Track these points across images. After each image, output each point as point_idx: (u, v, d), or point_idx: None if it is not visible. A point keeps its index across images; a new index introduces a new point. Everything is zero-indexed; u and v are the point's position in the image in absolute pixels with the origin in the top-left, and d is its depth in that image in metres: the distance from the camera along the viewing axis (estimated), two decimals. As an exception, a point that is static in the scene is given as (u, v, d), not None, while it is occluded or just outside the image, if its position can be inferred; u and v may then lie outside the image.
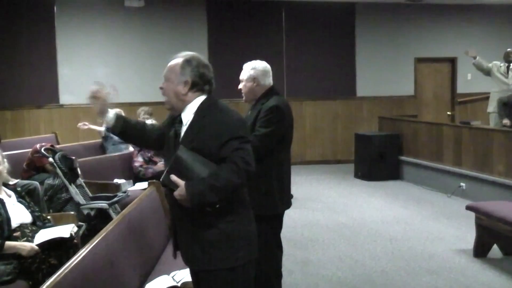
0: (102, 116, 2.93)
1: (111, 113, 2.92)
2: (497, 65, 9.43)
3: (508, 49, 9.40)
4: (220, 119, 2.66)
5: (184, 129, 2.73)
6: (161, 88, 2.78)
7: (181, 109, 2.75)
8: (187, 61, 2.74)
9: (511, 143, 7.58)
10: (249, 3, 11.76)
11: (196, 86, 2.72)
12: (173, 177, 2.55)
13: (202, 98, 2.74)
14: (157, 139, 3.01)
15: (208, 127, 2.64)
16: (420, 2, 12.18)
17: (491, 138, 7.94)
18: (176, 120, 2.81)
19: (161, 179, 2.62)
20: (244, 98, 4.04)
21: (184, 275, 3.45)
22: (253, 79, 3.92)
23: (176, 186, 2.55)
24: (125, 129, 2.97)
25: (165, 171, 2.60)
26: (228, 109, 2.76)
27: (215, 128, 2.63)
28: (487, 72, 9.51)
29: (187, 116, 2.73)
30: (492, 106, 9.47)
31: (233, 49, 11.12)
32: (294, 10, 11.92)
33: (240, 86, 4.01)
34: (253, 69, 3.94)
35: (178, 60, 2.77)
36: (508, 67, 9.34)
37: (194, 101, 2.73)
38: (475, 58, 9.45)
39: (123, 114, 3.27)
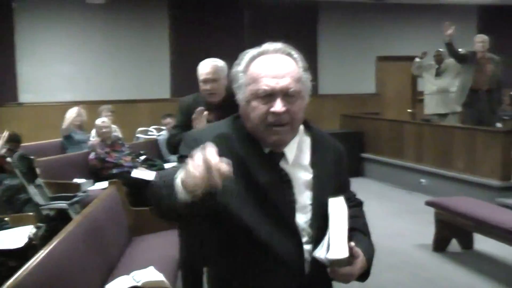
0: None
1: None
2: (431, 66, 9.32)
3: (440, 49, 9.17)
4: (327, 138, 1.92)
5: (294, 169, 1.76)
6: (285, 111, 1.80)
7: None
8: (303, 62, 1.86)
9: (470, 140, 7.74)
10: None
11: None
12: (356, 250, 1.66)
13: None
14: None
15: (329, 156, 1.86)
16: (383, 2, 12.30)
17: (451, 135, 8.09)
18: (264, 159, 1.73)
19: (329, 263, 1.62)
20: (214, 98, 3.71)
21: (144, 275, 3.42)
22: (226, 77, 3.66)
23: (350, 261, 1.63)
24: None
25: (332, 247, 1.61)
26: None
27: (333, 155, 1.88)
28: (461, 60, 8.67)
29: (292, 147, 1.80)
30: (430, 108, 9.32)
31: (194, 45, 11.01)
32: (255, 7, 11.90)
33: (212, 85, 3.68)
34: (222, 66, 3.72)
35: (290, 63, 1.82)
36: (438, 69, 9.24)
37: None
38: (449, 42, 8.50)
39: None
